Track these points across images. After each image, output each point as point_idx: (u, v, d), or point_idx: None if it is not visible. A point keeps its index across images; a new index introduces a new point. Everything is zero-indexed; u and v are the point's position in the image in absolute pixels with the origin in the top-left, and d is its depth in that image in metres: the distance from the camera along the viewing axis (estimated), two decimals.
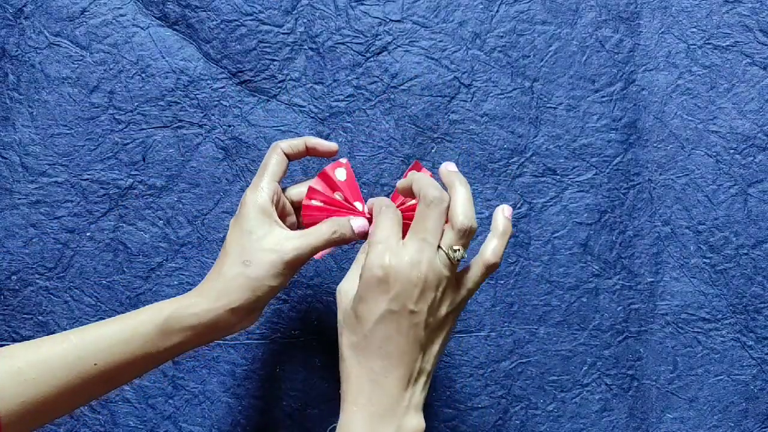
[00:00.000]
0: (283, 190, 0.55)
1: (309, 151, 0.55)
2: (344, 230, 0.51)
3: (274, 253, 0.49)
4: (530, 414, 0.64)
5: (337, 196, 0.54)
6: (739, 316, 0.65)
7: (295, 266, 0.50)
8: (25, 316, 0.62)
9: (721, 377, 0.65)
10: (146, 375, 0.50)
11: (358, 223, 0.52)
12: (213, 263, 0.63)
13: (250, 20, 0.64)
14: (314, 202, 0.53)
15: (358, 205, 0.54)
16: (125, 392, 0.62)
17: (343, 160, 0.54)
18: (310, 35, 0.65)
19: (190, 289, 0.62)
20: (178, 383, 0.63)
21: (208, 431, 0.63)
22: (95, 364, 0.46)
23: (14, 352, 0.45)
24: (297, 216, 0.56)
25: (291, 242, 0.49)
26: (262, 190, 0.51)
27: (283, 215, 0.54)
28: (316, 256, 0.52)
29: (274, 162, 0.53)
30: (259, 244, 0.49)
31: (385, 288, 0.45)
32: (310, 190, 0.53)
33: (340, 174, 0.54)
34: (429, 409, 0.64)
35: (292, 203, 0.55)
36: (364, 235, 0.52)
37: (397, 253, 0.45)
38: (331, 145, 0.55)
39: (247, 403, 0.63)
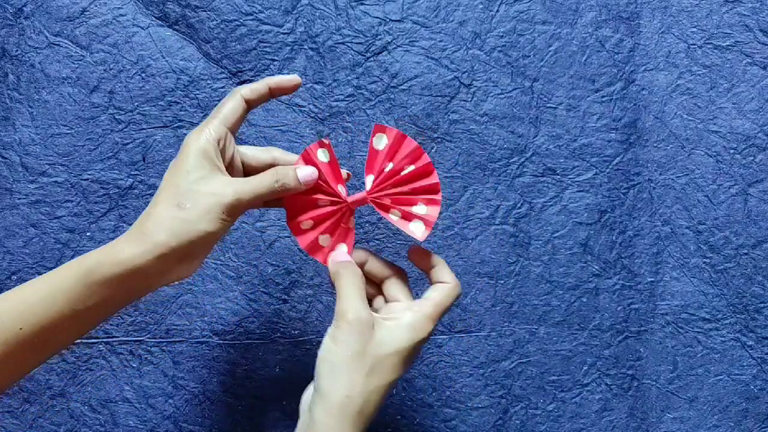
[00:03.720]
0: (241, 148, 0.51)
1: (272, 92, 0.50)
2: (287, 180, 0.48)
3: (213, 196, 0.45)
4: (530, 414, 0.64)
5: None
6: (739, 316, 0.65)
7: (234, 212, 0.46)
8: None
9: (721, 377, 0.65)
10: (83, 336, 0.46)
11: (304, 173, 0.49)
12: (212, 263, 0.63)
13: (250, 20, 0.64)
14: None
15: (341, 189, 0.51)
16: (125, 392, 0.62)
17: (326, 140, 0.50)
18: (310, 35, 0.65)
19: (190, 289, 0.63)
20: (178, 383, 0.63)
21: (208, 431, 0.63)
22: (20, 329, 0.42)
23: None
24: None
25: (232, 186, 0.45)
26: (207, 132, 0.47)
27: (230, 169, 0.49)
28: (320, 260, 0.51)
29: (229, 107, 0.48)
30: (196, 185, 0.45)
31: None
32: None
33: (323, 155, 0.50)
34: (429, 409, 0.64)
35: (251, 167, 0.51)
36: (310, 184, 0.49)
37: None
38: (293, 78, 0.50)
39: (247, 403, 0.63)
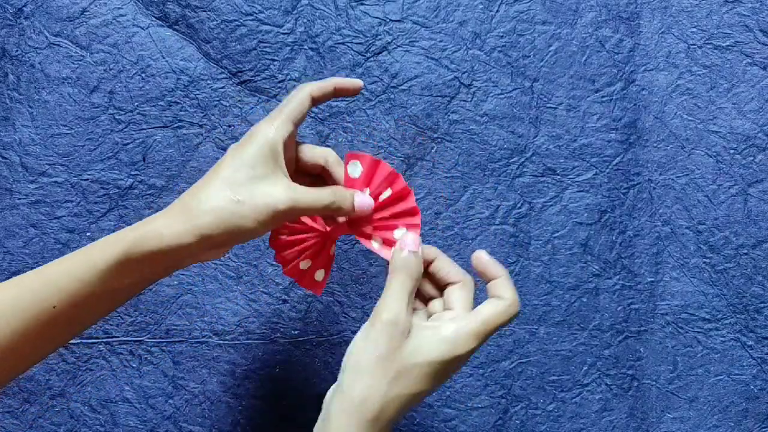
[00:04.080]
0: (298, 144, 0.50)
1: (336, 92, 0.49)
2: (345, 204, 0.47)
3: (269, 197, 0.43)
4: (530, 414, 0.64)
5: None
6: (739, 316, 0.65)
7: (283, 218, 0.44)
8: None
9: (721, 377, 0.65)
10: (110, 313, 0.46)
11: (361, 200, 0.48)
12: (212, 263, 0.63)
13: (250, 20, 0.64)
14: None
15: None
16: (125, 392, 0.62)
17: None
18: (310, 35, 0.65)
19: (190, 289, 0.63)
20: (178, 383, 0.63)
21: (208, 431, 0.63)
22: (54, 307, 0.42)
23: None
24: (298, 179, 0.50)
25: (289, 192, 0.44)
26: (277, 128, 0.45)
27: (287, 168, 0.48)
28: (314, 291, 0.51)
29: (296, 102, 0.47)
30: (256, 182, 0.43)
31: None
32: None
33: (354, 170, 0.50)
34: (429, 409, 0.64)
35: (303, 163, 0.50)
36: (363, 214, 0.48)
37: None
38: (356, 82, 0.50)
39: (247, 403, 0.63)
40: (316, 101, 0.48)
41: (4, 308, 0.41)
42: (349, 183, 0.49)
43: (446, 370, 0.44)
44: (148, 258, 0.42)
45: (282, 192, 0.44)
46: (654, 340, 0.65)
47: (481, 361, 0.64)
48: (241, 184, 0.43)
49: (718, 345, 0.65)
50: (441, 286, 0.49)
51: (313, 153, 0.50)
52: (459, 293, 0.47)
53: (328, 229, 0.50)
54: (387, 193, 0.50)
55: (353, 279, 0.64)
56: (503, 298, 0.46)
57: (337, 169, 0.50)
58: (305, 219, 0.50)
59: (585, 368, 0.65)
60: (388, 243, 0.50)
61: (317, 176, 0.51)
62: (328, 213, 0.47)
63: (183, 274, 0.63)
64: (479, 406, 0.64)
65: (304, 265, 0.51)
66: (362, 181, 0.50)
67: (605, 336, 0.65)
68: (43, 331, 0.42)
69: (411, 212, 0.50)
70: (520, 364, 0.64)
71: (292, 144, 0.48)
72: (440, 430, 0.64)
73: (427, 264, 0.49)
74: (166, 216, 0.43)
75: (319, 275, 0.52)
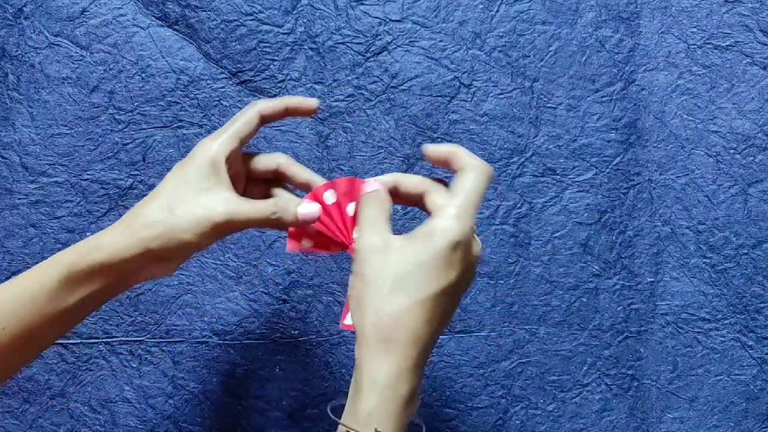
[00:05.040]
0: (247, 156, 0.50)
1: (288, 112, 0.49)
2: (285, 215, 0.46)
3: (206, 209, 0.44)
4: (530, 414, 0.64)
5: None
6: (739, 316, 0.65)
7: (221, 231, 0.45)
8: None
9: (721, 377, 0.65)
10: (64, 334, 0.46)
11: (305, 210, 0.47)
12: (212, 263, 0.63)
13: (250, 20, 0.64)
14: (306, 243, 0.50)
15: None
16: (125, 392, 0.62)
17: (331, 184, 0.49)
18: (310, 35, 0.65)
19: (190, 289, 0.63)
20: (178, 383, 0.63)
21: (208, 431, 0.63)
22: (3, 329, 0.42)
23: None
24: (249, 189, 0.51)
25: (227, 205, 0.44)
26: (219, 143, 0.46)
27: (235, 181, 0.48)
28: (292, 249, 0.49)
29: (243, 120, 0.47)
30: (194, 196, 0.44)
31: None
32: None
33: (329, 197, 0.49)
34: (429, 409, 0.64)
35: (254, 172, 0.50)
36: (309, 224, 0.47)
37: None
38: (311, 102, 0.49)
39: (247, 403, 0.63)
40: (265, 120, 0.48)
41: None
42: (326, 211, 0.49)
43: (442, 263, 0.41)
44: (93, 272, 0.43)
45: (220, 204, 0.44)
46: (654, 340, 0.65)
47: (481, 361, 0.64)
48: (181, 198, 0.44)
49: (718, 345, 0.65)
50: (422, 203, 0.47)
51: (263, 160, 0.50)
52: (436, 195, 0.45)
53: (353, 245, 0.48)
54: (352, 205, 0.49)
55: None
56: (470, 165, 0.44)
57: (291, 168, 0.50)
58: (336, 221, 0.49)
59: (585, 368, 0.65)
60: None
61: (276, 182, 0.51)
62: (271, 225, 0.47)
63: (183, 274, 0.63)
64: (479, 406, 0.64)
65: (306, 243, 0.50)
66: (341, 202, 0.49)
67: (605, 336, 0.65)
68: None
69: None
70: (520, 364, 0.64)
71: (238, 158, 0.48)
72: (440, 430, 0.64)
73: (394, 191, 0.47)
74: (108, 231, 0.44)
75: (307, 244, 0.50)
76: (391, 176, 0.48)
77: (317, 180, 0.50)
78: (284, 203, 0.47)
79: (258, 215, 0.45)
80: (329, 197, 0.49)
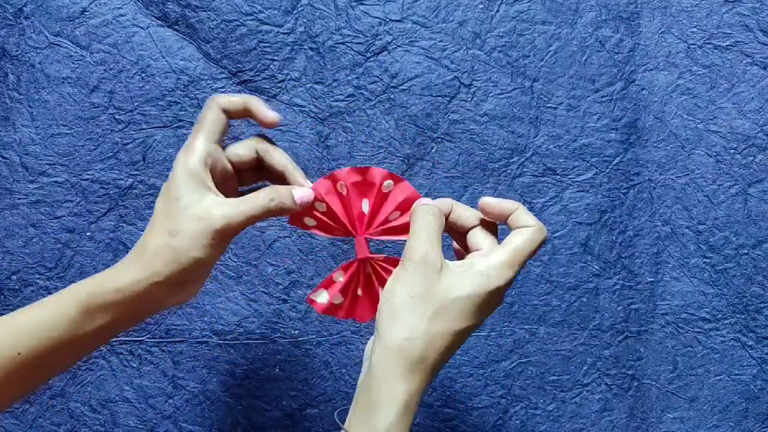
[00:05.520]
0: (224, 148, 0.48)
1: (247, 113, 0.48)
2: (284, 199, 0.46)
3: (203, 221, 0.43)
4: (530, 414, 0.64)
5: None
6: (739, 316, 0.65)
7: (225, 236, 0.44)
8: None
9: (721, 377, 0.65)
10: (80, 360, 0.46)
11: (301, 193, 0.47)
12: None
13: (250, 20, 0.64)
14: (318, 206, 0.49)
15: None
16: (125, 392, 0.62)
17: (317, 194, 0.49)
18: (310, 35, 0.65)
19: None
20: (178, 383, 0.63)
21: (208, 431, 0.63)
22: (18, 354, 0.42)
23: None
24: (239, 178, 0.50)
25: (221, 209, 0.44)
26: (193, 152, 0.45)
27: (223, 179, 0.48)
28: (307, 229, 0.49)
29: (210, 120, 0.46)
30: (186, 212, 0.43)
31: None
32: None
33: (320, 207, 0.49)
34: (429, 409, 0.64)
35: (233, 164, 0.48)
36: (306, 205, 0.47)
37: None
38: (269, 115, 0.47)
39: (247, 403, 0.63)
40: (229, 114, 0.47)
41: None
42: (340, 197, 0.49)
43: (485, 303, 0.43)
44: (109, 307, 0.43)
45: (215, 211, 0.44)
46: (654, 340, 0.65)
47: (481, 361, 0.64)
48: (174, 219, 0.44)
49: (718, 345, 0.65)
50: (463, 234, 0.48)
51: (240, 151, 0.48)
52: (481, 233, 0.47)
53: (358, 258, 0.49)
54: (402, 219, 0.49)
55: None
56: (528, 225, 0.45)
57: (273, 154, 0.49)
58: (339, 214, 0.49)
59: (585, 368, 0.65)
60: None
61: (265, 168, 0.50)
62: (272, 214, 0.46)
63: None
64: (479, 406, 0.64)
65: (309, 221, 0.50)
66: (353, 193, 0.49)
67: (605, 336, 0.65)
68: (8, 378, 0.42)
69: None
70: (520, 364, 0.64)
71: (220, 157, 0.47)
72: (440, 429, 0.64)
73: (446, 216, 0.48)
74: (122, 265, 0.44)
75: (310, 222, 0.50)
76: (447, 203, 0.48)
77: (293, 169, 0.48)
78: (279, 190, 0.46)
79: (258, 208, 0.45)
80: (342, 187, 0.49)
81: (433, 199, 0.48)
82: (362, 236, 0.49)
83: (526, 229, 0.45)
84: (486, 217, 0.48)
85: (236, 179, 0.49)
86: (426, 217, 0.46)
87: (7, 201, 0.63)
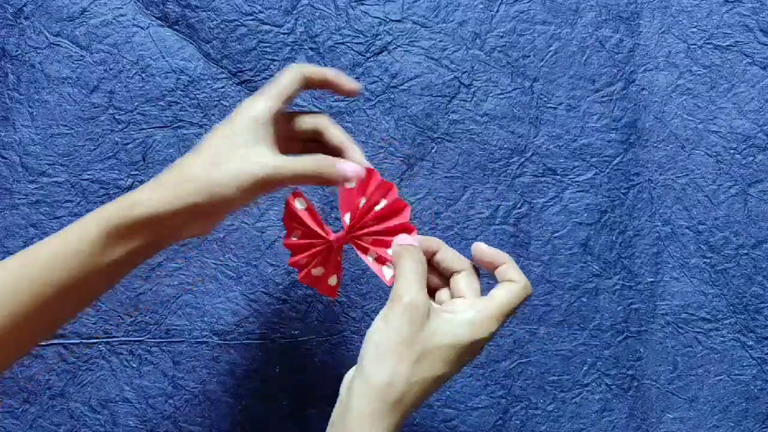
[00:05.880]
0: (289, 116, 0.50)
1: (329, 84, 0.49)
2: (329, 168, 0.47)
3: (250, 164, 0.43)
4: (530, 414, 0.64)
5: (310, 222, 0.51)
6: (739, 316, 0.65)
7: (265, 187, 0.44)
8: None
9: (721, 377, 0.65)
10: (104, 293, 0.46)
11: (346, 167, 0.47)
12: (213, 263, 0.63)
13: (250, 20, 0.64)
14: (293, 238, 0.51)
15: (329, 228, 0.51)
16: (125, 392, 0.62)
17: (297, 191, 0.51)
18: (310, 35, 0.65)
19: (190, 289, 0.63)
20: (178, 383, 0.63)
21: (207, 431, 0.63)
22: (40, 284, 0.41)
23: None
24: (288, 147, 0.50)
25: (269, 160, 0.44)
26: (263, 102, 0.45)
27: (280, 139, 0.48)
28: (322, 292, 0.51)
29: (286, 81, 0.47)
30: (236, 150, 0.44)
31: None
32: (287, 222, 0.51)
33: (299, 204, 0.51)
34: (429, 409, 0.64)
35: (295, 131, 0.50)
36: (352, 180, 0.48)
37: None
38: (353, 83, 0.49)
39: (247, 403, 0.63)
40: (308, 83, 0.48)
41: None
42: (346, 193, 0.50)
43: (468, 353, 0.44)
44: (135, 228, 0.43)
45: (263, 159, 0.44)
46: (654, 340, 0.65)
47: (481, 361, 0.64)
48: (223, 154, 0.44)
49: (718, 345, 0.65)
50: (446, 276, 0.49)
51: (305, 120, 0.50)
52: (467, 280, 0.48)
53: (331, 238, 0.50)
54: (382, 203, 0.50)
55: (353, 279, 0.64)
56: (515, 281, 0.46)
57: (332, 131, 0.50)
58: (310, 224, 0.50)
59: (585, 368, 0.65)
60: (381, 260, 0.50)
61: (315, 142, 0.51)
62: (315, 180, 0.47)
63: (183, 274, 0.63)
64: (479, 406, 0.64)
65: (316, 272, 0.52)
66: (357, 189, 0.50)
67: (605, 336, 0.65)
68: (37, 311, 0.42)
69: (406, 229, 0.50)
70: (520, 364, 0.64)
71: (280, 118, 0.48)
72: (440, 430, 0.64)
73: (431, 255, 0.49)
74: (149, 187, 0.44)
75: (332, 281, 0.52)
76: (435, 243, 0.49)
77: (351, 145, 0.50)
78: (325, 160, 0.47)
79: (301, 170, 0.45)
80: (299, 204, 0.50)
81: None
82: (345, 236, 0.50)
83: (514, 285, 0.46)
84: (476, 263, 0.48)
85: (284, 144, 0.49)
86: (410, 258, 0.46)
87: (7, 201, 0.63)
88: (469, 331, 0.44)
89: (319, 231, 0.50)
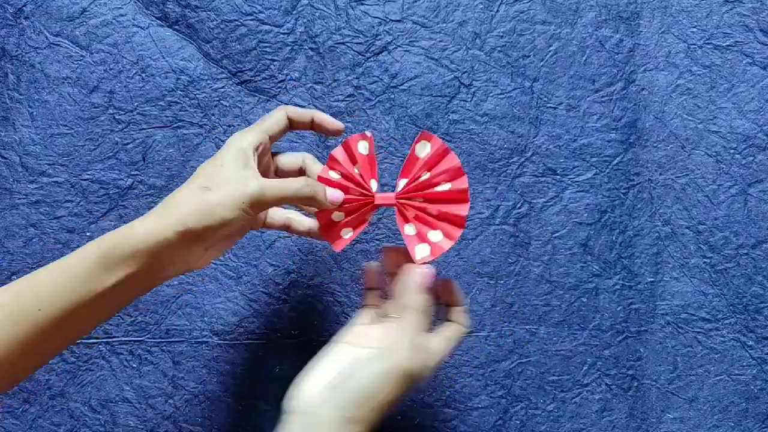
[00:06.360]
0: (275, 155, 0.54)
1: (314, 126, 0.53)
2: (317, 189, 0.49)
3: (239, 184, 0.46)
4: (530, 414, 0.64)
5: (356, 169, 0.51)
6: (739, 316, 0.65)
7: (256, 205, 0.46)
8: None
9: (722, 377, 0.65)
10: (101, 323, 0.47)
11: (334, 195, 0.50)
12: (213, 263, 0.63)
13: (250, 20, 0.64)
14: (332, 174, 0.52)
15: (373, 183, 0.51)
16: (125, 392, 0.62)
17: (368, 133, 0.51)
18: (310, 35, 0.65)
19: (190, 289, 0.63)
20: (178, 383, 0.63)
21: (207, 431, 0.63)
22: (39, 310, 0.42)
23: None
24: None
25: (258, 181, 0.46)
26: (247, 136, 0.49)
27: (264, 172, 0.51)
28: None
29: (273, 119, 0.51)
30: (224, 175, 0.46)
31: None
32: (331, 158, 0.52)
33: (363, 147, 0.51)
34: (429, 409, 0.64)
35: (281, 171, 0.54)
36: (335, 205, 0.51)
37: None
38: (336, 124, 0.53)
39: (247, 403, 0.63)
40: (293, 123, 0.52)
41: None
42: (412, 160, 0.50)
43: (414, 380, 0.45)
44: (130, 255, 0.44)
45: (251, 180, 0.46)
46: (654, 340, 0.65)
47: (481, 361, 0.64)
48: (214, 180, 0.46)
49: (718, 345, 0.65)
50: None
51: (289, 159, 0.54)
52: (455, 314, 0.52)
53: (377, 196, 0.51)
54: (445, 187, 0.50)
55: (353, 279, 0.64)
56: (463, 325, 0.51)
57: (313, 167, 0.53)
58: (362, 172, 0.51)
59: (585, 368, 0.65)
60: (421, 237, 0.50)
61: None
62: (303, 201, 0.49)
63: (183, 275, 0.63)
64: (479, 406, 0.64)
65: (336, 216, 0.52)
66: (425, 163, 0.50)
67: (605, 336, 0.65)
68: (31, 338, 0.43)
69: (458, 221, 0.49)
70: (520, 364, 0.64)
71: (267, 153, 0.51)
72: (440, 430, 0.64)
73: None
74: (145, 218, 0.46)
75: (347, 233, 0.52)
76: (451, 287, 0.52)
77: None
78: (314, 183, 0.49)
79: (291, 189, 0.48)
80: (362, 148, 0.52)
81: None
82: (393, 199, 0.51)
83: (460, 327, 0.50)
84: (441, 294, 0.51)
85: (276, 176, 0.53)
86: (414, 315, 0.48)
87: (7, 201, 0.63)
88: (424, 362, 0.46)
89: (368, 185, 0.51)
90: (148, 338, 0.63)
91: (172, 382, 0.63)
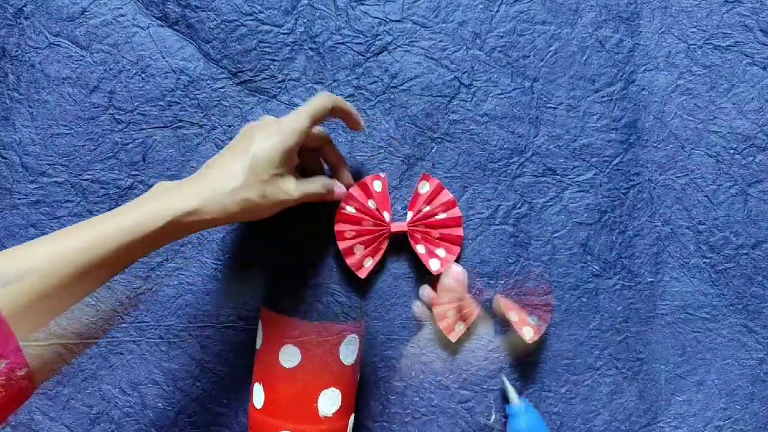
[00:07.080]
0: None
1: (349, 117, 0.59)
2: (331, 193, 0.60)
3: (285, 194, 0.54)
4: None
5: (371, 203, 0.61)
6: (739, 316, 0.66)
7: (292, 206, 0.55)
8: None
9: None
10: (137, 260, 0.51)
11: (339, 189, 0.61)
12: (213, 263, 0.63)
13: (250, 20, 0.64)
14: (349, 208, 0.61)
15: (386, 214, 0.62)
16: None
17: (382, 175, 0.63)
18: (310, 35, 0.64)
19: (190, 290, 0.63)
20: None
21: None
22: (102, 255, 0.46)
23: (33, 247, 0.46)
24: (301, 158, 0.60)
25: (299, 187, 0.55)
26: (298, 134, 0.54)
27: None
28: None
29: (320, 109, 0.56)
30: (278, 182, 0.53)
31: None
32: (348, 196, 0.61)
33: (377, 185, 0.62)
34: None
35: (313, 142, 0.60)
36: (340, 198, 0.61)
37: None
38: (362, 124, 0.61)
39: None
40: (334, 111, 0.57)
41: (67, 255, 0.45)
42: (416, 196, 0.63)
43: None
44: (191, 227, 0.50)
45: (294, 187, 0.55)
46: (654, 340, 0.65)
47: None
48: (268, 183, 0.52)
49: (717, 345, 0.65)
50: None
51: (314, 134, 0.59)
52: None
53: (391, 225, 0.62)
54: (442, 216, 0.62)
55: (353, 279, 0.64)
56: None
57: (330, 148, 0.61)
58: (379, 207, 0.62)
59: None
60: (430, 254, 0.62)
61: (324, 155, 0.62)
62: (322, 198, 0.58)
63: (183, 274, 0.63)
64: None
65: (357, 250, 0.61)
66: (426, 198, 0.62)
67: (605, 336, 0.65)
68: (88, 276, 0.46)
69: (456, 240, 0.63)
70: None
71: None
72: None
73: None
74: (205, 202, 0.50)
75: (367, 261, 0.62)
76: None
77: (343, 166, 0.62)
78: (329, 182, 0.59)
79: (317, 192, 0.57)
80: (377, 186, 0.62)
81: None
82: (406, 227, 0.62)
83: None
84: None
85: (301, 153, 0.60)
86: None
87: (7, 201, 0.63)
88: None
89: (382, 216, 0.62)
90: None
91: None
